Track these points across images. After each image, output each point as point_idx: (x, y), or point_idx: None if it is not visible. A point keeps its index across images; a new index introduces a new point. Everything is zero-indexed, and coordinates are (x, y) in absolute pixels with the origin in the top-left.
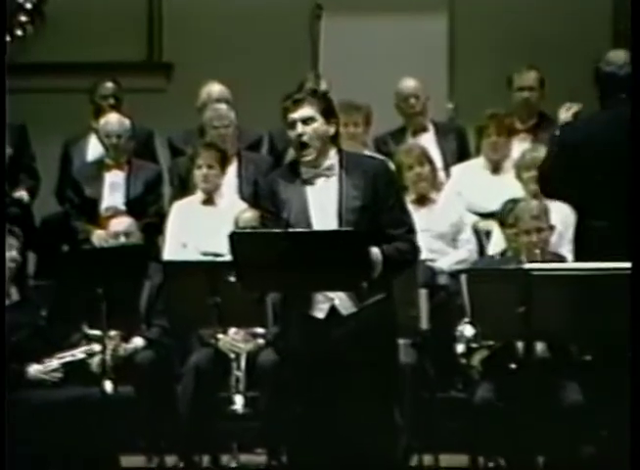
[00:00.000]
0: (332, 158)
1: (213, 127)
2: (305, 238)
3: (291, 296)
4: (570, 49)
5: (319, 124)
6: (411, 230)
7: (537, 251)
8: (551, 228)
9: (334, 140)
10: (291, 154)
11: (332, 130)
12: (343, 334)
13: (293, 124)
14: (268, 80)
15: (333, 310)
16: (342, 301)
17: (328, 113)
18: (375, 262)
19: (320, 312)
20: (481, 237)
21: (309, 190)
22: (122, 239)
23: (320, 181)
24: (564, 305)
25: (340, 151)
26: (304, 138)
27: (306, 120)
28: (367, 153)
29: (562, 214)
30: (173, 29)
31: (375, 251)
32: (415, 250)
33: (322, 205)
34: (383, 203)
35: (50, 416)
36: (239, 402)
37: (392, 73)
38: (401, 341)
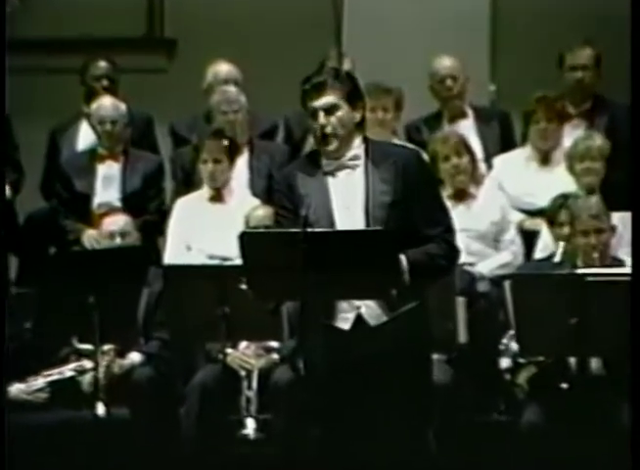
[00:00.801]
0: (357, 147)
1: (221, 112)
2: (327, 238)
3: (310, 305)
4: (627, 22)
5: (344, 113)
6: (448, 230)
7: (596, 254)
8: (612, 229)
9: (359, 127)
10: (310, 143)
11: (358, 117)
12: (371, 348)
13: (314, 113)
14: (284, 59)
15: (359, 321)
16: (369, 309)
17: (353, 97)
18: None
19: (345, 323)
20: (528, 238)
21: (331, 184)
22: (118, 240)
23: (343, 174)
24: (622, 316)
25: (366, 139)
26: (328, 129)
27: (330, 109)
28: (396, 142)
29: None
30: (176, 1)
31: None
32: (453, 253)
33: (346, 200)
34: (415, 198)
35: (35, 443)
36: (250, 426)
37: (426, 51)
38: (436, 356)
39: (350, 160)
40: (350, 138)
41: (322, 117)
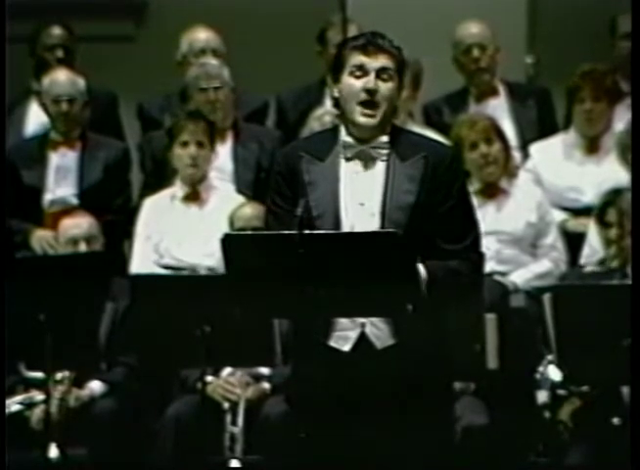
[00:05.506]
0: (387, 134)
1: (199, 90)
2: (330, 242)
3: (306, 322)
4: None
5: (394, 86)
6: (473, 244)
7: None
8: None
9: (394, 112)
10: (310, 126)
11: (401, 97)
12: (377, 375)
13: (362, 72)
14: (276, 26)
15: (362, 341)
16: (375, 328)
17: (401, 74)
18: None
19: (344, 343)
20: (572, 241)
21: (344, 173)
22: (83, 246)
23: (362, 164)
24: None
25: (395, 127)
26: (377, 97)
27: (384, 75)
28: (431, 135)
29: None
30: None
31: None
32: (478, 269)
33: (360, 196)
34: (440, 206)
35: None
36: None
37: (449, 16)
38: (460, 385)
39: (376, 147)
40: (388, 120)
41: (373, 81)
